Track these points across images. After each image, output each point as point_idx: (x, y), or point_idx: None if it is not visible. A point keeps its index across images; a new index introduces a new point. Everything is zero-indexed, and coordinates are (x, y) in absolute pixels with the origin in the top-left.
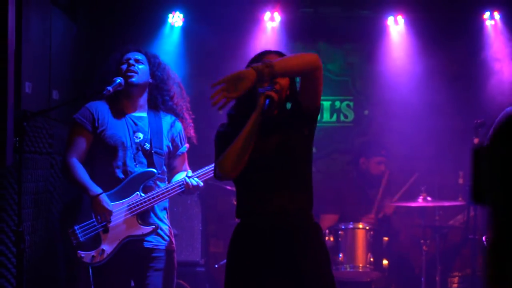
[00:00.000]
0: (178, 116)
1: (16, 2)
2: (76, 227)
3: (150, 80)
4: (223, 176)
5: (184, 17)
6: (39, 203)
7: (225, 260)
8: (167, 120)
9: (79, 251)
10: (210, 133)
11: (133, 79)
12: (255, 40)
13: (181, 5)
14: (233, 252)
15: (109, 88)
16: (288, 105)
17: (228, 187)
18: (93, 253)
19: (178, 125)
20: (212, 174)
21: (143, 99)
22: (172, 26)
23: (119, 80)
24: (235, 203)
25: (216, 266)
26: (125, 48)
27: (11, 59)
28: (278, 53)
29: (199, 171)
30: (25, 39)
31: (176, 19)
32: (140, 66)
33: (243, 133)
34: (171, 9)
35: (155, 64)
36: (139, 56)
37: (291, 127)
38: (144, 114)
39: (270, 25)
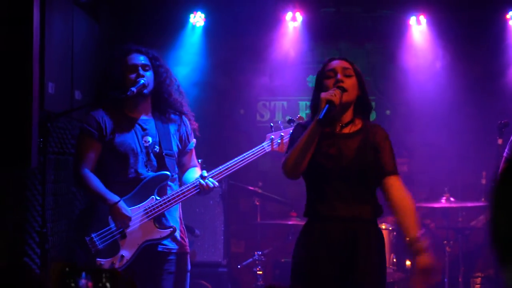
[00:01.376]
0: (179, 111)
1: (40, 2)
2: (93, 235)
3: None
4: (286, 175)
5: (206, 17)
6: (61, 204)
7: (248, 261)
8: (172, 119)
9: (98, 259)
10: (230, 133)
11: (146, 91)
12: (276, 40)
13: (203, 5)
14: (301, 250)
15: (133, 89)
16: (373, 116)
17: (250, 188)
18: (112, 259)
19: (184, 121)
20: (227, 174)
21: (148, 103)
22: (193, 26)
23: (142, 81)
24: (257, 203)
25: (239, 266)
26: (126, 48)
27: (36, 60)
28: (344, 59)
29: (214, 171)
30: (48, 39)
31: (197, 19)
32: (148, 74)
33: (301, 139)
34: (192, 9)
35: (156, 65)
36: (144, 60)
37: (368, 144)
38: (150, 117)
39: (292, 25)
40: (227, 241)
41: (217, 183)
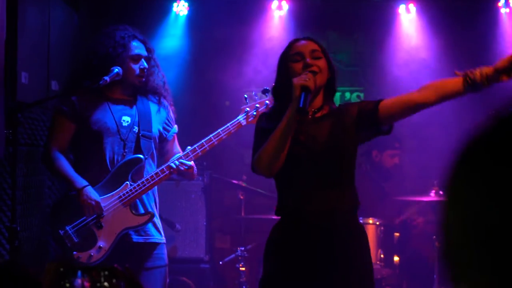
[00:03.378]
0: (161, 95)
1: None
2: (68, 228)
3: None
4: (260, 174)
5: (189, 5)
6: (35, 198)
7: (230, 257)
8: (153, 101)
9: (74, 252)
10: (215, 125)
11: (142, 80)
12: (262, 29)
13: None
14: (271, 252)
15: (106, 78)
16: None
17: (234, 181)
18: (90, 252)
19: (166, 105)
20: (201, 152)
21: (128, 85)
22: (177, 15)
23: (117, 70)
24: (241, 197)
25: (220, 262)
26: (129, 33)
27: (1, 49)
28: (311, 39)
29: (187, 150)
30: (21, 28)
31: (181, 7)
32: (148, 66)
33: (277, 131)
34: None
35: (149, 58)
36: (145, 53)
37: (343, 124)
38: (131, 98)
39: (278, 13)
40: (210, 236)
41: (191, 163)
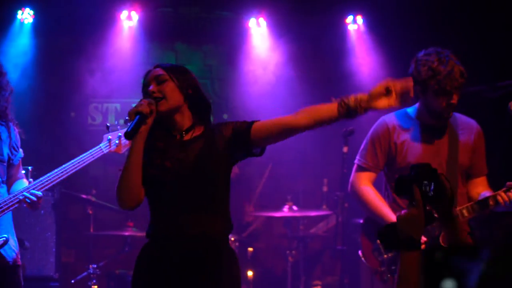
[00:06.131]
0: (6, 119)
1: None
2: None
3: None
4: (124, 207)
5: (35, 13)
6: None
7: (83, 275)
8: (2, 125)
9: None
10: (59, 137)
11: None
12: (111, 40)
13: (31, 0)
14: (138, 276)
15: None
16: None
17: (83, 196)
18: None
19: (13, 129)
20: (61, 179)
21: None
22: (21, 23)
23: None
24: (90, 212)
25: (72, 281)
26: None
27: None
28: (158, 66)
29: (39, 181)
30: None
31: (26, 15)
32: None
33: (125, 163)
34: (20, 5)
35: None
36: None
37: (216, 145)
38: None
39: (128, 24)
40: (59, 253)
41: (40, 193)
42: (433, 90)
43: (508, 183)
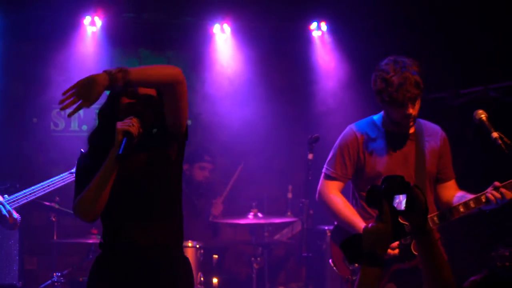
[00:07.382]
0: None
1: None
2: None
3: None
4: (82, 218)
5: None
6: None
7: (46, 283)
8: None
9: None
10: (21, 143)
11: None
12: (74, 45)
13: None
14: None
15: None
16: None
17: (46, 203)
18: None
19: None
20: (22, 202)
21: None
22: None
23: None
24: (53, 219)
25: None
26: None
27: None
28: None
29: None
30: None
31: None
32: None
33: (97, 176)
34: None
35: None
36: None
37: (156, 151)
38: None
39: (91, 29)
40: (23, 261)
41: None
42: (386, 101)
43: (495, 183)
